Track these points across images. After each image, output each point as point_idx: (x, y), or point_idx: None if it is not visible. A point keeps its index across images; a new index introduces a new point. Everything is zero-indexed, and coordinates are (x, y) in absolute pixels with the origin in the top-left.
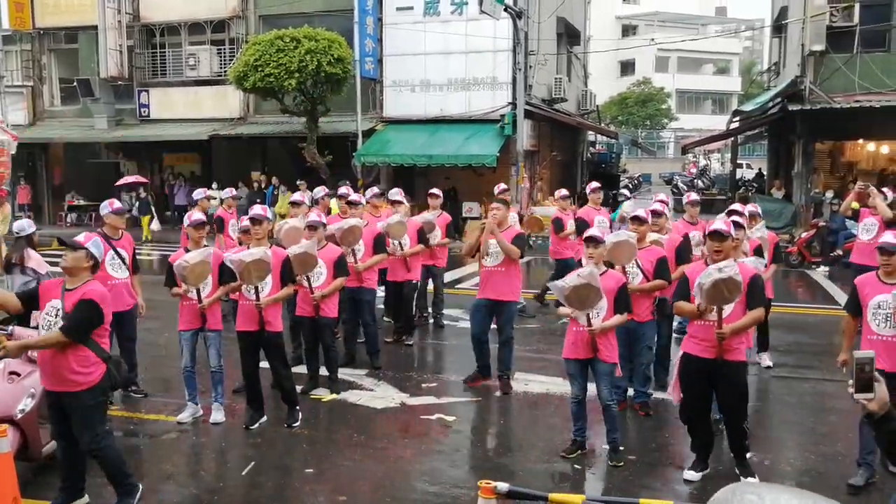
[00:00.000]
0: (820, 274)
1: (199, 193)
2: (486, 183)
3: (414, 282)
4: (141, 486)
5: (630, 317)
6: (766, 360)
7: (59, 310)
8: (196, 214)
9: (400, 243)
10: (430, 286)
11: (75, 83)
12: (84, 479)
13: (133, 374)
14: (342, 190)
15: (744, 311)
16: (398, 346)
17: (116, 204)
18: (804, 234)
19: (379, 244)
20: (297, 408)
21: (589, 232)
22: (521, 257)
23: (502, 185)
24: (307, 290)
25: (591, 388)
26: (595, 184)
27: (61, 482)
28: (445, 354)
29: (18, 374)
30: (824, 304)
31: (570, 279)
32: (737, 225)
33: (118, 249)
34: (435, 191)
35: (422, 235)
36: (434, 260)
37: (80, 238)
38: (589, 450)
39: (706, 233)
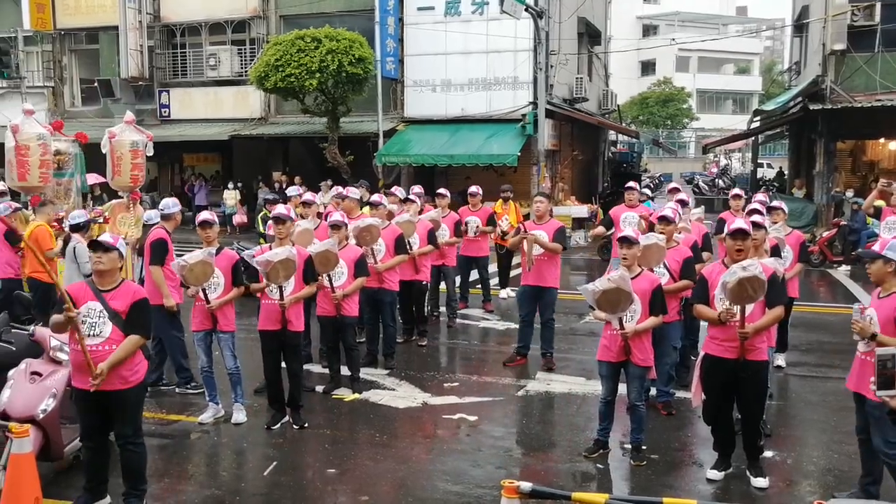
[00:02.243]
0: (842, 273)
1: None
2: (507, 182)
3: (424, 282)
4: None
5: None
6: (780, 360)
7: (101, 311)
8: (204, 214)
9: (409, 242)
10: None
11: (96, 84)
12: (107, 480)
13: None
14: (374, 197)
15: (763, 310)
16: (420, 346)
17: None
18: (826, 234)
19: (400, 245)
20: (302, 407)
21: (623, 232)
22: (564, 249)
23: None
24: (328, 290)
25: (620, 387)
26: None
27: (86, 482)
28: (467, 354)
29: (40, 375)
30: (846, 304)
31: (601, 283)
32: (757, 225)
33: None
34: (442, 191)
35: (431, 236)
36: (444, 259)
37: (109, 239)
38: (612, 449)
39: (728, 232)
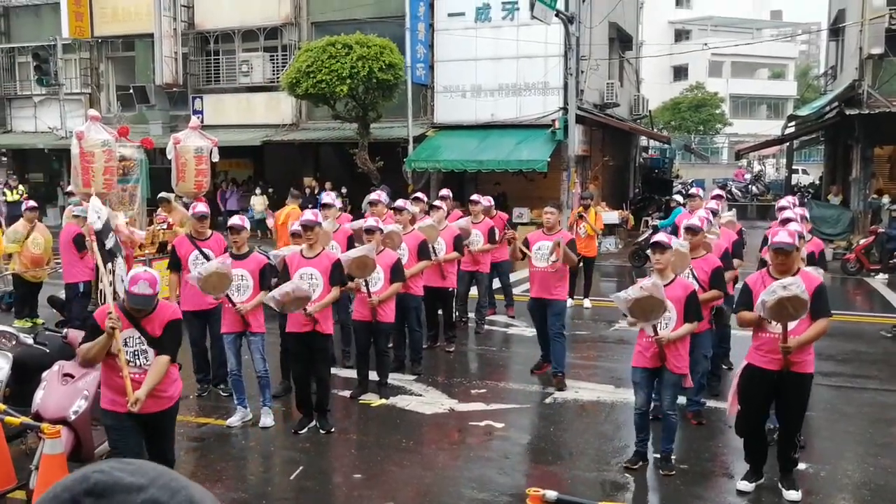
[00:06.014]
0: (879, 281)
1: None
2: (537, 188)
3: (450, 289)
4: None
5: None
6: None
7: (140, 337)
8: (233, 219)
9: (433, 248)
10: (474, 292)
11: (131, 90)
12: None
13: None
14: (398, 202)
15: (809, 322)
16: (447, 352)
17: (198, 208)
18: (862, 241)
19: (423, 250)
20: (329, 411)
21: (655, 238)
22: (579, 263)
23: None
24: (364, 295)
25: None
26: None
27: None
28: (495, 360)
29: (73, 376)
30: (883, 313)
31: (633, 291)
32: (798, 236)
33: (203, 249)
34: (475, 197)
35: (458, 242)
36: (477, 266)
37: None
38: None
39: (771, 247)
